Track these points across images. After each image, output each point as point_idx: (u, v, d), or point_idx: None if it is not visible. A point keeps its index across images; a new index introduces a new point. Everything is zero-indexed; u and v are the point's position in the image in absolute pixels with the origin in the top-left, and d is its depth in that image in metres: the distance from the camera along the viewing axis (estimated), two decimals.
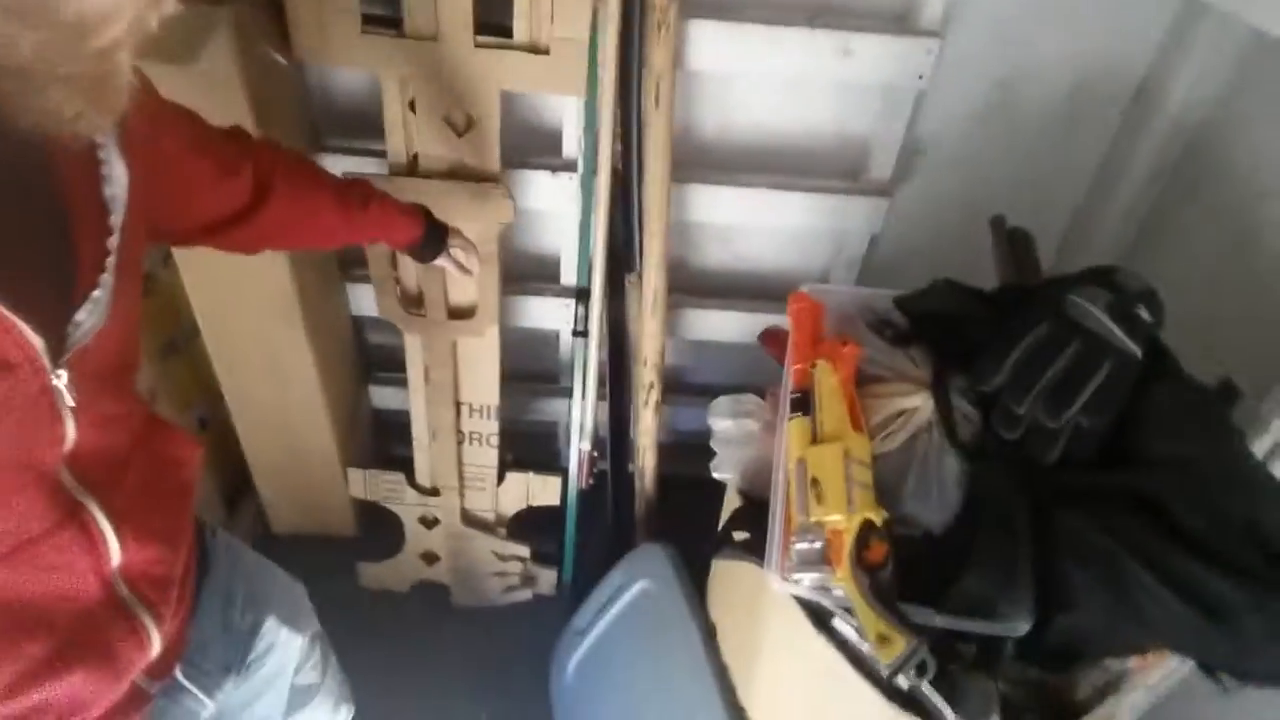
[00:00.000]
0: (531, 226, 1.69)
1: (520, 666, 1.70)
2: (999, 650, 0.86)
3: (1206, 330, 1.06)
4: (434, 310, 1.47)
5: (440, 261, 1.17)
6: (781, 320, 1.10)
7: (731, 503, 1.13)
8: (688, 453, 1.55)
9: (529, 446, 1.84)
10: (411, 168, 1.37)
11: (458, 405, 1.59)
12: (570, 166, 1.51)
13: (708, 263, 1.76)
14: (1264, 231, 1.28)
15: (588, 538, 1.74)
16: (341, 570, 1.81)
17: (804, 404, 0.96)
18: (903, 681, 0.81)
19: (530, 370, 1.90)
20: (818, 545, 0.86)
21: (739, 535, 1.03)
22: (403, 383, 1.64)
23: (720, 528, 1.09)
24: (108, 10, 0.45)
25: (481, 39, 1.27)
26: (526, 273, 1.72)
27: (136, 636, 0.66)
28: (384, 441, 1.98)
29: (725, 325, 1.75)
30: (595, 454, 1.64)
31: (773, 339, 1.16)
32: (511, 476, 1.70)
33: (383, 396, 1.90)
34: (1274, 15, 1.04)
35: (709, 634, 1.25)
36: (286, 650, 0.93)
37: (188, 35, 1.16)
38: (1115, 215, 1.56)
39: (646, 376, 1.56)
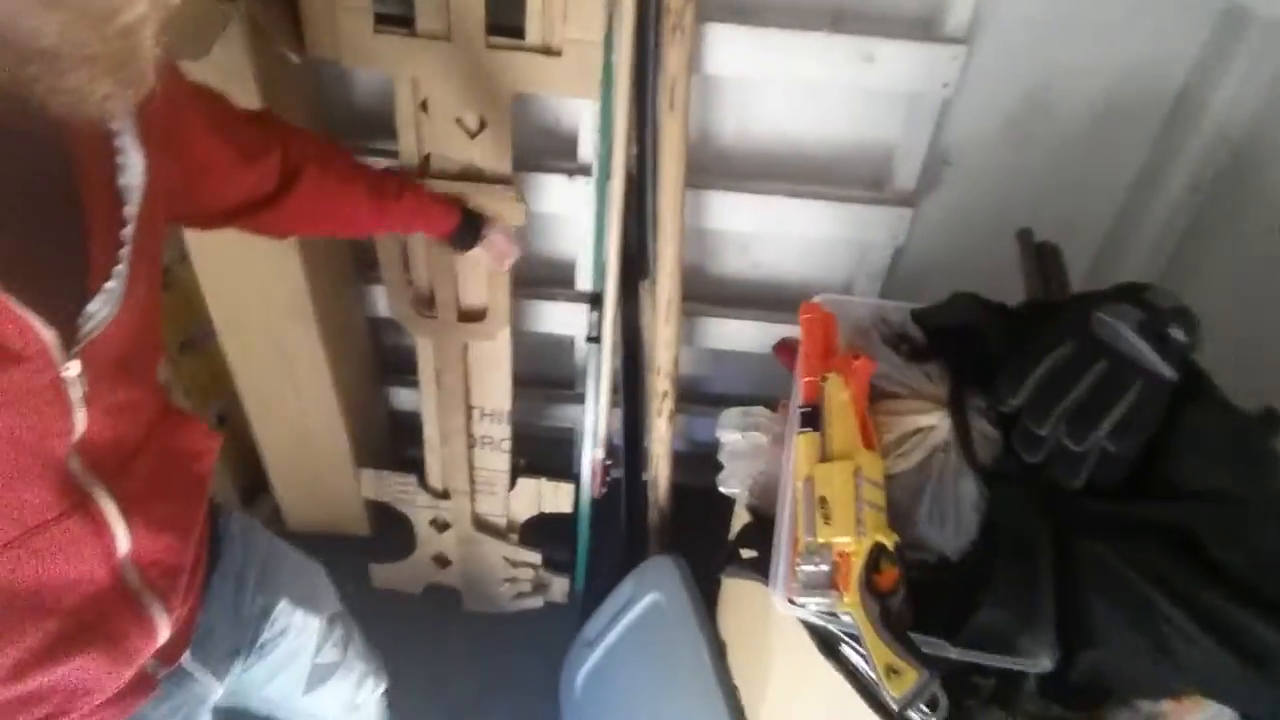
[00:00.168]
0: (547, 230, 1.66)
1: (530, 675, 1.67)
2: (1018, 685, 0.81)
3: (1246, 353, 1.01)
4: (445, 312, 1.45)
5: (477, 251, 1.16)
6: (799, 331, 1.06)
7: (740, 518, 1.09)
8: (704, 463, 1.51)
9: (544, 452, 1.81)
10: (423, 169, 1.35)
11: (469, 409, 1.57)
12: (586, 170, 1.49)
13: (725, 271, 1.73)
14: None
15: (601, 545, 1.71)
16: (354, 570, 1.79)
17: (813, 419, 0.92)
18: (914, 717, 0.76)
19: (546, 375, 1.88)
20: (825, 568, 0.81)
21: (747, 553, 0.99)
22: (418, 385, 1.62)
23: (728, 544, 1.05)
24: None
25: (494, 39, 1.24)
26: (542, 277, 1.70)
27: (144, 624, 0.66)
28: (401, 443, 1.97)
29: (743, 334, 1.72)
30: (609, 462, 1.61)
31: (787, 350, 1.12)
32: (523, 482, 1.67)
33: (400, 398, 1.88)
34: None
35: (719, 652, 1.21)
36: (303, 632, 0.93)
37: (200, 31, 1.14)
38: (1150, 231, 1.50)
39: (660, 385, 1.52)
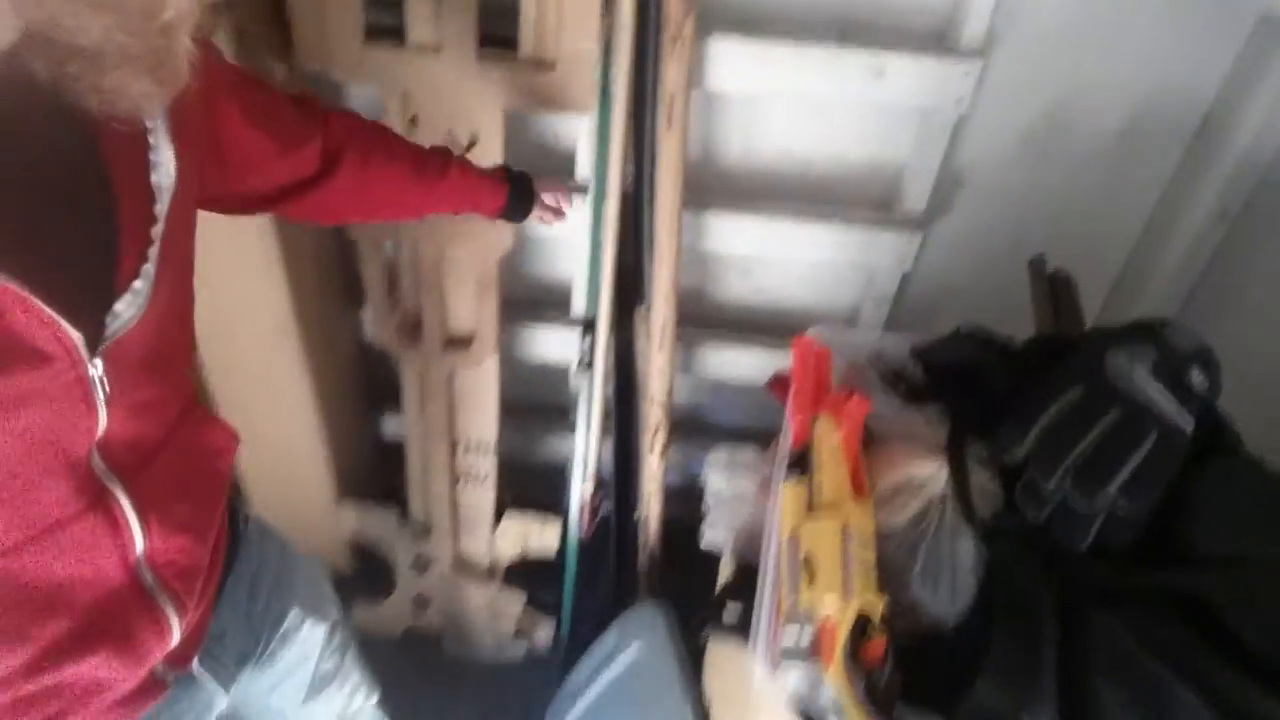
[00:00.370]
0: (543, 253, 1.61)
1: None
2: None
3: (1275, 400, 0.93)
4: (430, 338, 1.40)
5: (533, 219, 1.14)
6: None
7: (726, 569, 1.03)
8: (702, 498, 1.45)
9: (536, 485, 1.75)
10: None
11: (453, 441, 1.51)
12: (583, 189, 1.43)
13: (727, 295, 1.67)
14: None
15: (592, 585, 1.64)
16: None
17: (802, 464, 0.85)
18: None
19: (540, 404, 1.81)
20: (808, 635, 0.75)
21: (731, 611, 0.92)
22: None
23: (711, 599, 0.99)
24: None
25: (485, 51, 1.20)
26: (536, 302, 1.64)
27: (157, 625, 0.66)
28: (392, 475, 1.91)
29: (744, 363, 1.65)
30: (599, 498, 1.55)
31: (781, 385, 1.05)
32: (508, 520, 1.61)
33: (390, 426, 1.83)
34: None
35: (702, 713, 1.13)
36: (309, 640, 0.92)
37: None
38: (1173, 261, 1.42)
39: (654, 416, 1.46)
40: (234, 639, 0.81)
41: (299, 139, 0.82)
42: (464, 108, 1.24)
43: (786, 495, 0.84)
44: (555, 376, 1.73)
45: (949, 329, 1.02)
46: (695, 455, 1.78)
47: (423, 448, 1.52)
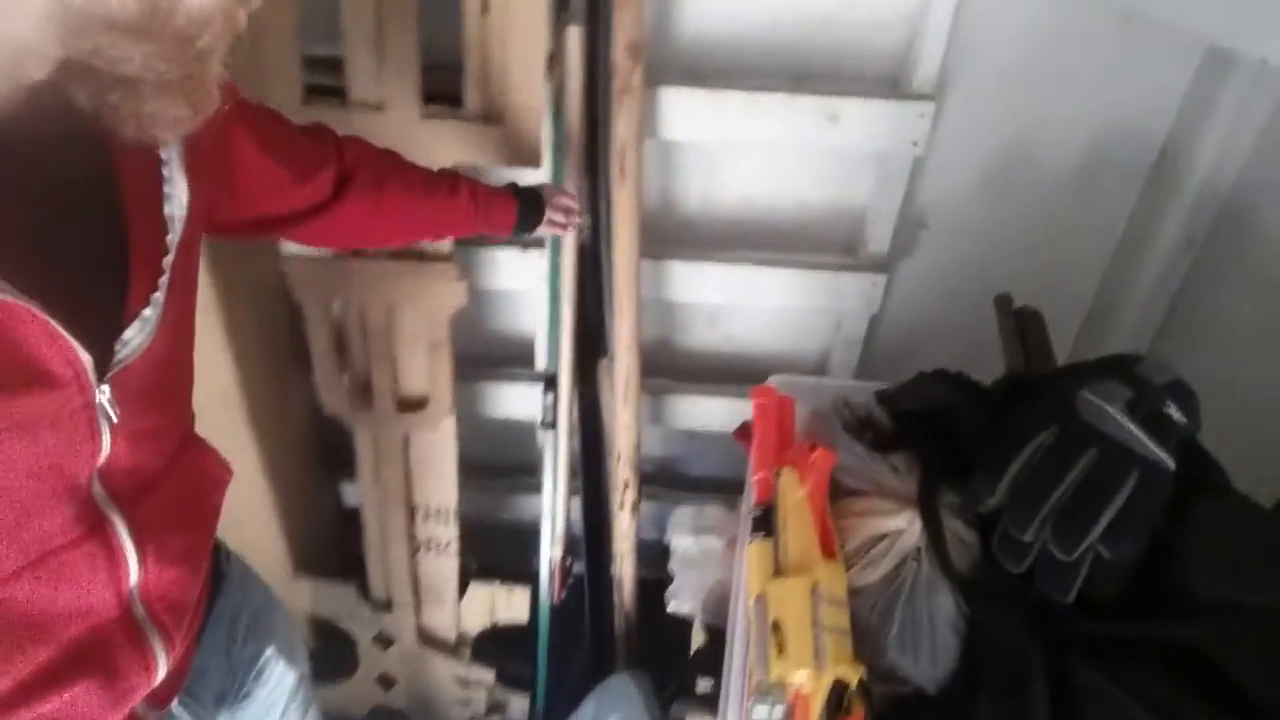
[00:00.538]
0: (506, 308, 1.57)
1: None
2: None
3: (1257, 431, 0.89)
4: (382, 402, 1.34)
5: (542, 230, 1.12)
6: None
7: (698, 635, 0.97)
8: None
9: (503, 549, 1.67)
10: (358, 249, 1.26)
11: (411, 508, 1.44)
12: (541, 243, 1.40)
13: (694, 345, 1.63)
14: None
15: (567, 652, 1.55)
16: None
17: (766, 523, 0.80)
18: None
19: (508, 462, 1.75)
20: (779, 712, 0.69)
21: (702, 684, 0.86)
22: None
23: (681, 670, 0.92)
24: (210, 12, 0.45)
25: (430, 108, 1.17)
26: (499, 356, 1.60)
27: (144, 660, 0.64)
28: (355, 544, 1.82)
29: (716, 412, 1.60)
30: (570, 561, 1.48)
31: (748, 436, 1.01)
32: (475, 589, 1.53)
33: (351, 494, 1.75)
34: None
35: None
36: (279, 686, 0.91)
37: None
38: (1142, 292, 1.40)
39: (622, 474, 1.41)
40: (214, 678, 0.80)
41: (312, 166, 0.82)
42: None
43: (753, 554, 0.79)
44: (521, 433, 1.67)
45: (925, 370, 0.98)
46: (671, 509, 1.73)
47: (380, 516, 1.45)
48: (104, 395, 0.54)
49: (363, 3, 1.09)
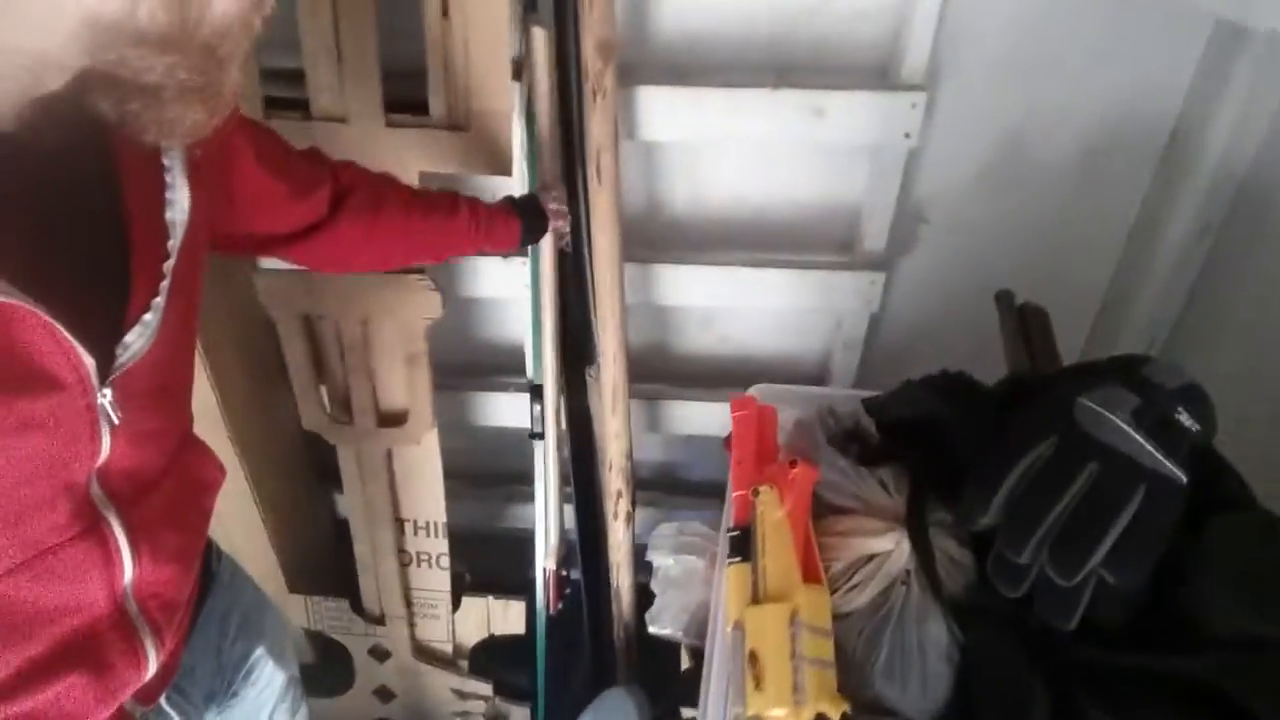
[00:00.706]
0: (495, 316, 1.53)
1: None
2: None
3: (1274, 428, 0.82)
4: (362, 418, 1.30)
5: (550, 231, 1.14)
6: None
7: (685, 659, 0.92)
8: None
9: (499, 559, 1.63)
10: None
11: (399, 522, 1.40)
12: (523, 251, 1.35)
13: (689, 348, 1.58)
14: None
15: (565, 663, 1.51)
16: None
17: (744, 545, 0.75)
18: None
19: (502, 471, 1.71)
20: None
21: (687, 714, 0.81)
22: None
23: (670, 692, 0.87)
24: (231, 20, 0.46)
25: (395, 117, 1.13)
26: (491, 366, 1.56)
27: (135, 657, 0.65)
28: (350, 557, 1.79)
29: (714, 416, 1.54)
30: (564, 573, 1.43)
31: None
32: (468, 601, 1.50)
33: (344, 505, 1.71)
34: None
35: None
36: (268, 687, 0.91)
37: None
38: (1157, 283, 1.33)
39: (614, 483, 1.36)
40: (203, 676, 0.81)
41: (309, 184, 0.83)
42: None
43: (731, 578, 0.74)
44: (515, 442, 1.63)
45: (928, 372, 0.92)
46: (670, 516, 1.68)
47: (369, 531, 1.42)
48: (105, 398, 0.55)
49: (320, 11, 1.05)
